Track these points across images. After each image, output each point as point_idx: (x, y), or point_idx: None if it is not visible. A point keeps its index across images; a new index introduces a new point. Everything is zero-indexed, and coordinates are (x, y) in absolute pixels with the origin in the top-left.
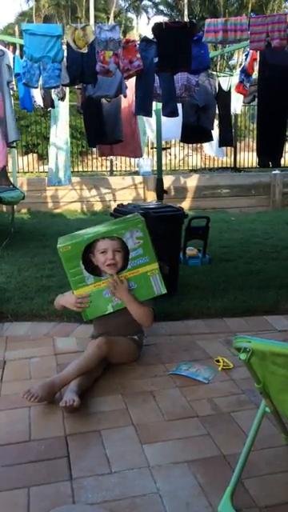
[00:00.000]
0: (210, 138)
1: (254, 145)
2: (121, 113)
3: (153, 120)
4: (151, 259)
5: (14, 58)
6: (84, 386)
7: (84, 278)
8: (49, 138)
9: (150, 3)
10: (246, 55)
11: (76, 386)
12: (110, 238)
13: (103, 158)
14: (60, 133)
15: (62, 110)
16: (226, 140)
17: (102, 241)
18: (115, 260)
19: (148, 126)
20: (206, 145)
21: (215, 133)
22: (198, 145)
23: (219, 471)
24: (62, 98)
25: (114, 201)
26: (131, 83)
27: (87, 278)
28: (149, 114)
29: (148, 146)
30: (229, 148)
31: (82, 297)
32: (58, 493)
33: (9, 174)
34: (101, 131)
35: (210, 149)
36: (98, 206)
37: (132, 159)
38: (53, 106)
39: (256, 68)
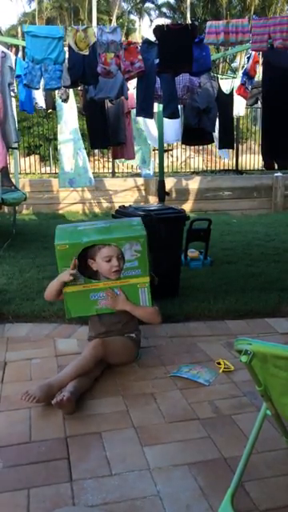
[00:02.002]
0: (211, 141)
1: (256, 147)
2: (124, 115)
3: (152, 126)
4: (144, 273)
5: (15, 60)
6: (82, 387)
7: (76, 278)
8: (51, 140)
9: (152, 6)
10: (248, 57)
11: (73, 387)
12: (115, 245)
13: (105, 159)
14: (72, 133)
15: (69, 111)
16: (226, 142)
17: (108, 248)
18: (120, 267)
19: (148, 134)
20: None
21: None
22: (200, 147)
23: (220, 474)
24: (66, 100)
25: (116, 202)
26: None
27: (78, 278)
28: (150, 116)
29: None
30: (231, 150)
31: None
32: (58, 494)
33: (11, 175)
34: (105, 133)
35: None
36: (99, 208)
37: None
38: (54, 108)
39: (258, 70)
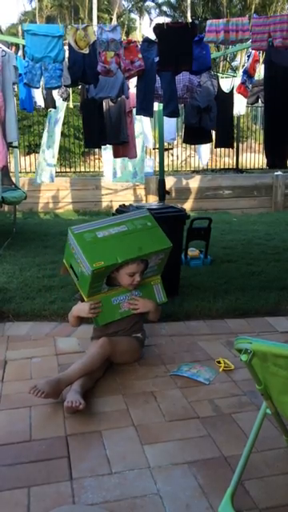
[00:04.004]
0: (211, 140)
1: (257, 146)
2: (125, 114)
3: (147, 126)
4: (158, 272)
5: (16, 59)
6: (86, 386)
7: (100, 289)
8: None
9: (152, 4)
10: (248, 56)
11: (79, 387)
12: (140, 261)
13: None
14: (57, 132)
15: (62, 111)
16: (226, 141)
17: (135, 265)
18: (140, 281)
19: (144, 135)
20: (203, 151)
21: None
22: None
23: (220, 472)
24: (67, 99)
25: (116, 201)
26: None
27: (103, 288)
28: (150, 115)
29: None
30: (231, 149)
31: (95, 303)
32: (58, 493)
33: (11, 174)
34: (102, 132)
35: (202, 154)
36: (99, 207)
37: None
38: (54, 107)
39: (258, 69)
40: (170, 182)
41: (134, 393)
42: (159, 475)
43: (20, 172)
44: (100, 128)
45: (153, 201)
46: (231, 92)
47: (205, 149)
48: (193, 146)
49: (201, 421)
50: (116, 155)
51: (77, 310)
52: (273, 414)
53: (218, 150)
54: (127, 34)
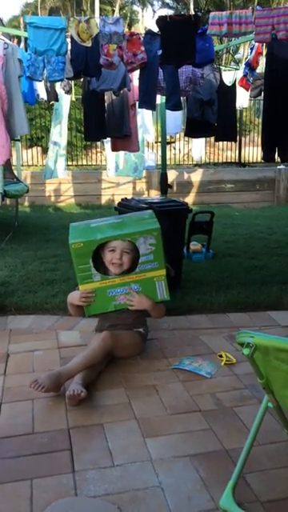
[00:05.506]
0: (213, 133)
1: (259, 140)
2: (128, 107)
3: (148, 120)
4: (160, 265)
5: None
6: (88, 379)
7: (91, 275)
8: None
9: None
10: (252, 49)
11: (81, 380)
12: (127, 241)
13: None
14: (63, 126)
15: (66, 104)
16: (228, 135)
17: (116, 241)
18: (121, 261)
19: (145, 128)
20: (195, 146)
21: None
22: (203, 139)
23: (221, 465)
24: (69, 92)
25: (118, 195)
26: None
27: (94, 276)
28: (152, 108)
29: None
30: (233, 143)
31: (87, 292)
32: (60, 485)
33: (13, 167)
34: (102, 126)
35: (196, 151)
36: (101, 200)
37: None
38: (56, 100)
39: (261, 62)
40: (171, 175)
41: (136, 386)
42: (161, 468)
43: (22, 165)
44: (100, 121)
45: (154, 194)
46: (234, 85)
47: (198, 143)
48: (195, 140)
49: (202, 414)
50: (114, 149)
51: (70, 297)
52: (274, 407)
53: (221, 143)
54: (130, 26)
